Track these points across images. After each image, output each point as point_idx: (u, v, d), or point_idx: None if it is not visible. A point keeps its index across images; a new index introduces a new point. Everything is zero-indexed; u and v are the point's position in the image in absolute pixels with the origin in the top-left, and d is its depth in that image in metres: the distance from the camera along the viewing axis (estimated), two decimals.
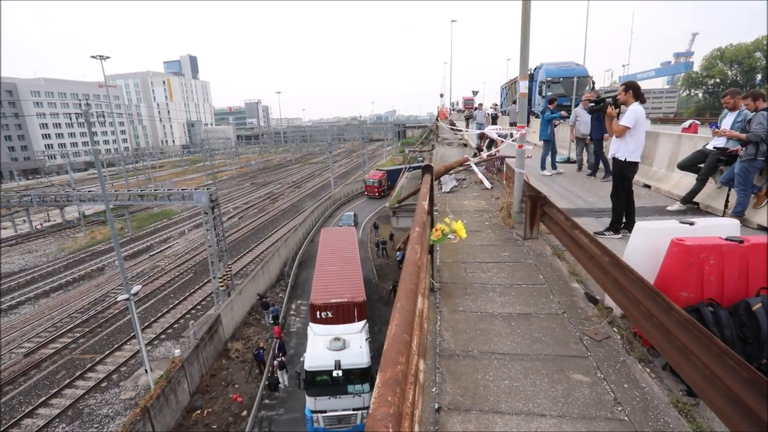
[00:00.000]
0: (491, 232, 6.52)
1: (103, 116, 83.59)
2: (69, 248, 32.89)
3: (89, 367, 17.29)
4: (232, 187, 59.05)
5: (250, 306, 22.35)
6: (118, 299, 15.27)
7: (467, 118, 24.74)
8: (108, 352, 18.34)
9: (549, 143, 11.04)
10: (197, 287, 24.94)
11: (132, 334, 18.98)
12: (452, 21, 46.33)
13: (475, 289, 4.49)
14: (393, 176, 47.53)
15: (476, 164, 10.03)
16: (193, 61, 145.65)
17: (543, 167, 11.08)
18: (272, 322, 20.98)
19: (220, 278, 20.69)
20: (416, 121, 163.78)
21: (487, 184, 9.26)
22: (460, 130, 21.32)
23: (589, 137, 10.36)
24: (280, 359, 16.51)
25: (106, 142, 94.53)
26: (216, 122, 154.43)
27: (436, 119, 42.51)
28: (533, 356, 3.31)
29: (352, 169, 71.60)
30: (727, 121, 6.38)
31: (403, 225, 15.21)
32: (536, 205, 5.73)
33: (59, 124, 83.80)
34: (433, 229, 3.82)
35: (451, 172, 9.72)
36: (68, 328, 20.52)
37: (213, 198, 20.43)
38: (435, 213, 7.20)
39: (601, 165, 10.09)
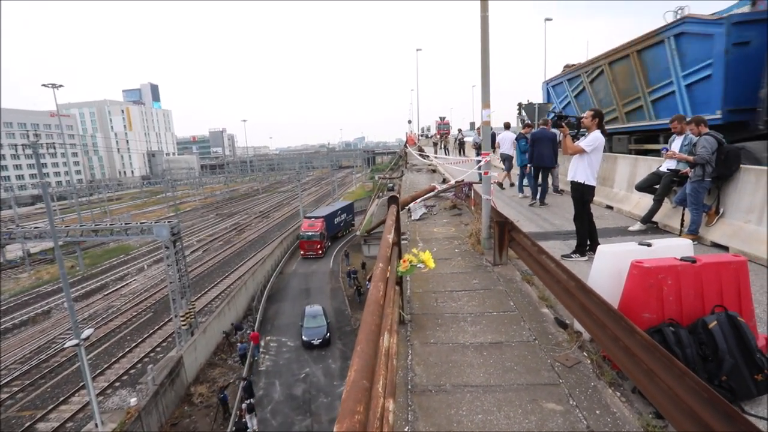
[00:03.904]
0: (461, 260, 6.62)
1: (54, 147, 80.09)
2: (10, 291, 30.59)
3: (27, 426, 15.77)
4: (195, 218, 57.41)
5: (215, 345, 21.36)
6: (66, 345, 14.22)
7: (467, 145, 18.58)
8: (52, 406, 16.87)
9: (527, 167, 11.39)
10: (157, 327, 23.69)
11: (81, 383, 17.61)
12: (417, 50, 48.38)
13: (447, 320, 4.50)
14: (331, 222, 39.13)
15: (443, 191, 10.26)
16: (155, 89, 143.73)
17: (534, 194, 10.63)
18: (239, 360, 20.18)
19: (182, 316, 19.75)
20: (385, 147, 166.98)
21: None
22: (428, 156, 21.86)
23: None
24: (248, 402, 15.71)
25: (57, 174, 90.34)
26: (179, 152, 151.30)
27: (405, 145, 42.96)
28: (506, 387, 3.32)
29: (322, 197, 71.45)
30: (676, 144, 6.90)
31: (375, 253, 15.18)
32: (504, 231, 5.89)
33: (3, 155, 79.54)
34: (401, 260, 3.84)
35: (420, 199, 9.90)
36: (4, 382, 18.78)
37: (175, 231, 19.76)
38: (404, 242, 7.26)
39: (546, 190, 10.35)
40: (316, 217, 37.76)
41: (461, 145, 26.32)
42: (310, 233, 35.56)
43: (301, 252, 36.09)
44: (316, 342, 20.42)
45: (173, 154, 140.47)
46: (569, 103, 15.19)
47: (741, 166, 6.15)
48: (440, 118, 54.98)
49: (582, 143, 5.82)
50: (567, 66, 15.71)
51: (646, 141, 11.20)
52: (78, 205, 50.22)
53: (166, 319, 23.89)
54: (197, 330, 20.31)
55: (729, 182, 6.29)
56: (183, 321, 19.73)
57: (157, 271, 33.60)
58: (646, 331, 2.99)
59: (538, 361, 3.67)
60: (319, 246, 35.60)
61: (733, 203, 6.21)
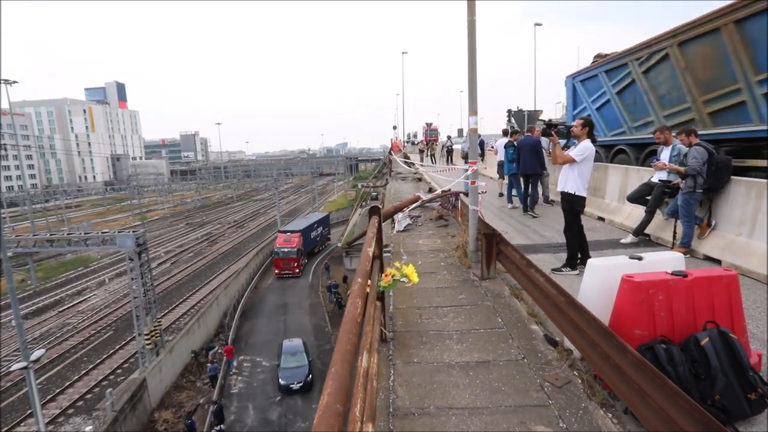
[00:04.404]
0: (447, 273, 6.63)
1: (5, 149, 77.65)
2: None
3: None
4: (163, 228, 56.28)
5: (182, 366, 20.79)
6: (12, 368, 13.63)
7: (455, 153, 20.34)
8: None
9: (515, 176, 11.58)
10: (118, 347, 22.97)
11: (28, 411, 16.83)
12: (403, 53, 49.00)
13: (431, 337, 4.49)
14: (308, 236, 37.03)
15: (429, 201, 10.32)
16: (121, 88, 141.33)
17: (525, 205, 10.95)
18: (209, 382, 19.70)
19: (146, 335, 19.21)
20: (369, 153, 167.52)
21: None
22: (414, 164, 22.02)
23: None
24: (218, 428, 15.29)
25: (8, 178, 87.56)
26: (147, 156, 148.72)
27: (389, 152, 42.91)
28: (493, 409, 3.31)
29: (301, 206, 71.06)
30: (665, 155, 7.12)
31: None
32: (492, 244, 5.94)
33: None
34: (383, 275, 3.82)
35: (405, 209, 9.93)
36: None
37: (140, 241, 19.31)
38: (387, 254, 7.25)
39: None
40: (292, 231, 35.55)
41: (449, 152, 26.59)
42: (286, 249, 33.38)
43: (276, 271, 34.08)
44: (295, 386, 18.28)
45: (140, 158, 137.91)
46: (608, 101, 11.80)
47: (732, 177, 6.38)
48: (427, 123, 55.30)
49: (572, 152, 5.95)
50: (599, 56, 12.72)
51: (750, 154, 7.69)
52: (32, 212, 48.66)
53: (129, 338, 23.18)
54: (163, 349, 19.75)
55: (720, 194, 6.50)
56: (147, 339, 19.18)
57: (119, 285, 32.66)
58: (638, 349, 3.03)
59: (526, 380, 3.68)
60: (296, 264, 33.78)
61: (724, 215, 6.41)
